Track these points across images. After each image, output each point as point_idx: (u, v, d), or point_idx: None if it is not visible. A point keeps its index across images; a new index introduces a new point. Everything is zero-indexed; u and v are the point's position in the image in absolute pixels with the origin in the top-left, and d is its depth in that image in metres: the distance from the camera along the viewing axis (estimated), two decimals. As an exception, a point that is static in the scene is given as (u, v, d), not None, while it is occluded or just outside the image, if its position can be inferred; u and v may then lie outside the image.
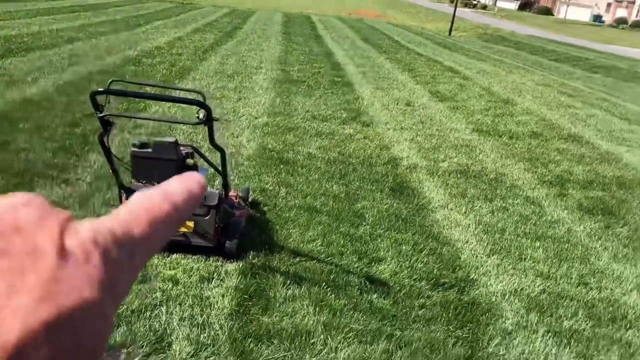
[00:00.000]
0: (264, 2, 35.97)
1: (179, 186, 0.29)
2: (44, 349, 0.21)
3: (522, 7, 74.54)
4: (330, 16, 31.68)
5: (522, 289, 3.36)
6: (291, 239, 3.63)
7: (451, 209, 4.54)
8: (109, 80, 2.92)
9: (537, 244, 4.06)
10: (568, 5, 58.83)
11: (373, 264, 3.46)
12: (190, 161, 3.36)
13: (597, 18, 65.52)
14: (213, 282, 3.02)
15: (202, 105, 2.68)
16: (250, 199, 4.09)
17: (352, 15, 34.59)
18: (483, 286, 3.35)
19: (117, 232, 0.25)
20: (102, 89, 2.60)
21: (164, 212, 0.27)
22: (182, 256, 3.21)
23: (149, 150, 3.17)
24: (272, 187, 4.52)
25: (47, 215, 0.24)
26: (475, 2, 70.04)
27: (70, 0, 21.77)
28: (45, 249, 0.23)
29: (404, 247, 3.71)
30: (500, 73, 13.79)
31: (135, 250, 0.26)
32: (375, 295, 3.07)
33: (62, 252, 0.23)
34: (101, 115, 2.66)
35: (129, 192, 3.18)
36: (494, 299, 3.21)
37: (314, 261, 3.37)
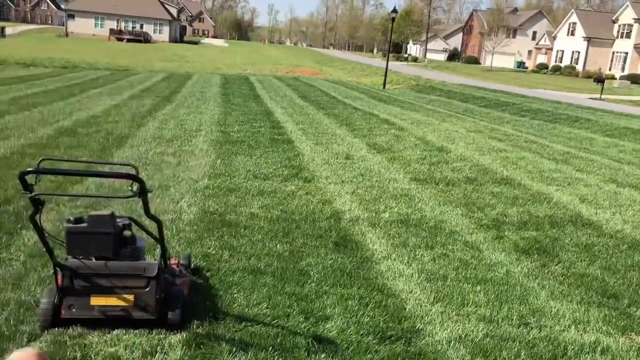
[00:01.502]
0: (201, 66, 36.42)
1: None
2: None
3: (450, 58, 78.41)
4: (268, 75, 32.34)
5: (466, 335, 3.43)
6: (236, 304, 3.59)
7: (394, 260, 4.62)
8: (39, 160, 2.88)
9: (478, 288, 4.17)
10: (493, 54, 62.25)
11: (320, 322, 3.45)
12: (127, 233, 3.32)
13: (521, 64, 69.61)
14: (157, 356, 2.93)
15: (134, 178, 2.68)
16: (192, 266, 4.04)
17: (289, 74, 35.41)
18: (429, 335, 3.40)
19: None
20: (31, 169, 2.56)
21: None
22: (123, 331, 3.12)
23: (85, 224, 3.12)
24: (214, 251, 4.49)
25: None
26: (406, 56, 73.20)
27: (1, 73, 21.39)
28: None
29: (350, 302, 3.73)
30: (434, 122, 14.35)
31: None
32: (323, 355, 3.06)
33: None
34: (31, 195, 2.61)
35: (65, 269, 3.09)
36: (439, 348, 3.26)
37: (260, 325, 3.33)
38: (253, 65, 41.48)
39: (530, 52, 72.74)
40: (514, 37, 72.15)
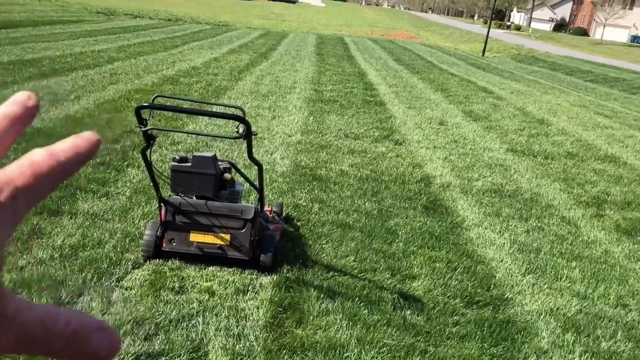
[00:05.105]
0: (297, 25, 36.57)
1: (65, 146, 0.31)
2: None
3: (556, 28, 73.86)
4: (363, 37, 31.95)
5: (558, 309, 3.32)
6: (324, 254, 3.66)
7: (485, 228, 4.51)
8: (153, 96, 3.03)
9: (574, 264, 4.01)
10: (605, 26, 57.94)
11: (406, 280, 3.46)
12: (227, 176, 3.45)
13: (636, 39, 64.34)
14: (248, 295, 3.06)
15: (242, 120, 2.76)
16: (284, 214, 4.15)
17: (384, 37, 34.82)
18: (518, 305, 3.32)
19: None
20: (146, 104, 2.70)
21: (47, 166, 0.30)
22: (219, 268, 3.27)
23: (189, 164, 3.27)
24: (305, 203, 4.58)
25: None
26: (509, 24, 69.74)
27: (111, 23, 22.53)
28: None
29: (437, 265, 3.70)
30: (535, 93, 13.68)
31: (18, 195, 0.28)
32: (408, 312, 3.07)
33: None
34: (145, 129, 2.75)
35: (168, 204, 3.27)
36: (529, 318, 3.18)
37: (347, 276, 3.39)
38: (349, 27, 41.11)
39: (647, 25, 66.91)
40: (630, 8, 66.58)
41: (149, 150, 2.92)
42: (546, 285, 3.62)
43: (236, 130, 2.86)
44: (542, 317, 3.21)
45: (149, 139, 2.85)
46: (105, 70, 10.22)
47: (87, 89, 8.24)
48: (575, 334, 3.05)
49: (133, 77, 9.79)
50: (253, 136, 2.85)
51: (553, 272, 3.82)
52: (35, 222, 3.62)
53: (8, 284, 2.88)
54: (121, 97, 7.93)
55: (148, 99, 7.91)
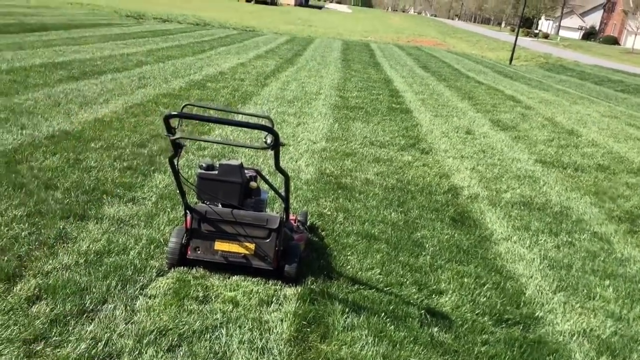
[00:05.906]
0: (323, 31, 36.63)
1: None
2: None
3: (585, 37, 72.67)
4: (389, 44, 31.86)
5: (591, 330, 3.20)
6: (349, 266, 3.60)
7: (515, 242, 4.40)
8: (183, 104, 3.01)
9: (607, 282, 3.87)
10: (636, 35, 56.77)
11: (434, 296, 3.37)
12: (253, 184, 3.41)
13: (667, 48, 62.88)
14: (272, 306, 3.01)
15: (270, 130, 2.72)
16: (308, 223, 4.10)
17: (410, 43, 34.67)
18: (549, 324, 3.21)
19: None
20: (175, 112, 2.67)
21: None
22: (243, 278, 3.23)
23: (215, 172, 3.24)
24: (330, 212, 4.52)
25: None
26: (536, 32, 68.89)
27: (140, 26, 22.82)
28: None
29: (466, 280, 3.61)
30: (564, 103, 13.44)
31: None
32: (436, 329, 2.99)
33: None
34: (173, 138, 2.73)
35: (194, 212, 3.24)
36: (561, 339, 3.07)
37: (373, 290, 3.32)
38: (375, 33, 41.05)
39: (681, 34, 65.36)
40: (663, 17, 65.12)
41: (176, 158, 2.90)
42: (578, 305, 3.50)
43: (264, 140, 2.82)
44: (574, 338, 3.09)
45: (177, 147, 2.83)
46: (134, 74, 10.32)
47: (115, 93, 8.32)
48: (610, 358, 2.94)
49: (161, 81, 9.86)
50: (282, 146, 2.80)
51: (585, 291, 3.70)
52: (61, 227, 3.63)
53: (34, 289, 2.88)
54: (149, 101, 7.99)
55: (175, 103, 7.96)
